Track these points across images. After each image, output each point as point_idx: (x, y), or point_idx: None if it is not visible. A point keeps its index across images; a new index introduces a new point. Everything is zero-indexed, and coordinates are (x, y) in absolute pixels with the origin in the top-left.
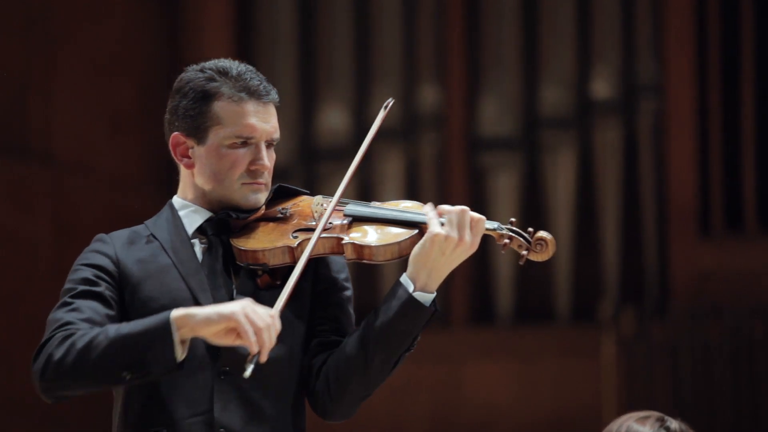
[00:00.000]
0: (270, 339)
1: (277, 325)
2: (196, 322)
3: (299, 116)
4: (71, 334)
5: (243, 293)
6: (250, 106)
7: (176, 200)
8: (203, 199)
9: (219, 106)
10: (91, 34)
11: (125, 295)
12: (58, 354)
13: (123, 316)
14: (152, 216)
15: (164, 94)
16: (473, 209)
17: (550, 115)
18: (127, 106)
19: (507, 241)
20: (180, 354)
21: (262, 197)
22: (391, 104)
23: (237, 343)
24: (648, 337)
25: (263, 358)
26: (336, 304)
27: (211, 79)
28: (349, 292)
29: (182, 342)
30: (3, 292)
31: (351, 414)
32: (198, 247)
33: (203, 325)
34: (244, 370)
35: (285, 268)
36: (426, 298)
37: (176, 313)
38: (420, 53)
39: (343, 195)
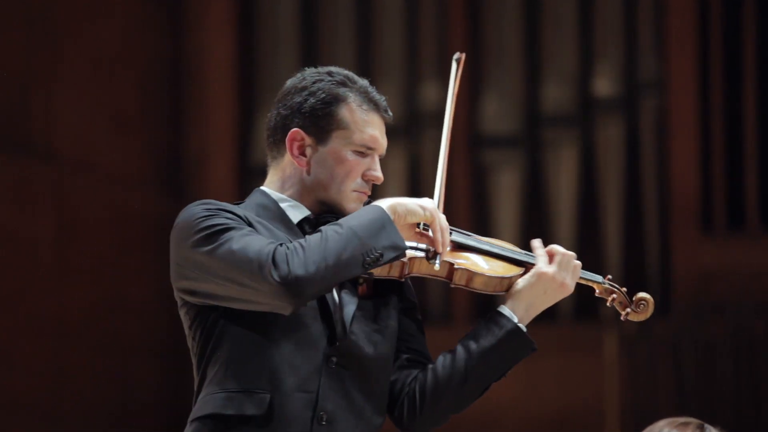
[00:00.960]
0: (447, 241)
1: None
2: (405, 211)
3: None
4: (297, 245)
5: (345, 298)
6: (375, 119)
7: (271, 192)
8: (305, 197)
9: (347, 111)
10: (93, 33)
11: None
12: (300, 259)
13: None
14: (154, 215)
15: (166, 92)
16: (476, 207)
17: (553, 112)
18: (129, 105)
19: (615, 296)
20: (401, 239)
21: (360, 206)
22: (462, 58)
23: (414, 239)
24: (650, 335)
25: (445, 257)
26: (417, 326)
27: (342, 84)
28: (419, 316)
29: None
30: (4, 291)
31: (439, 424)
32: None
33: (409, 214)
34: (352, 360)
35: (386, 281)
36: (524, 330)
37: (386, 203)
38: (422, 51)
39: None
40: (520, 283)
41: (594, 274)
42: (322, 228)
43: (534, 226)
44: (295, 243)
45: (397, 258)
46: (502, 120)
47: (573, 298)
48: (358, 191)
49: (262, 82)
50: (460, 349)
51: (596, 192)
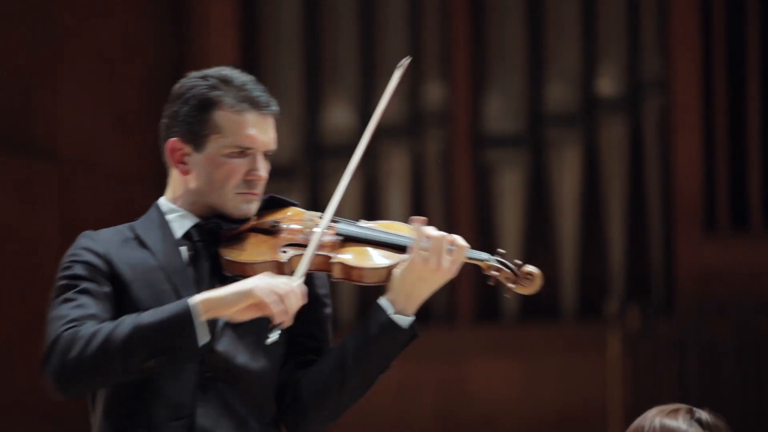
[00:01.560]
0: (295, 302)
1: (301, 290)
2: (218, 305)
3: (304, 113)
4: (82, 332)
5: None
6: (251, 117)
7: (163, 203)
8: (194, 205)
9: (220, 115)
10: (97, 31)
11: (117, 291)
12: (76, 350)
13: (118, 315)
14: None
15: (169, 92)
16: (479, 206)
17: (556, 112)
18: (133, 104)
19: (495, 273)
20: (205, 336)
21: (254, 207)
22: (407, 63)
23: (259, 314)
24: (653, 334)
25: (289, 322)
26: (315, 321)
27: (214, 87)
28: (328, 310)
29: (202, 326)
30: (6, 290)
31: (322, 427)
32: (184, 253)
33: (225, 306)
34: (226, 373)
35: None
36: (404, 321)
37: (196, 298)
38: (425, 50)
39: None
40: (397, 271)
41: (481, 253)
42: (120, 320)
43: (537, 225)
44: (91, 329)
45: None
46: (505, 119)
47: (576, 297)
48: (241, 193)
49: (265, 83)
50: (340, 348)
51: (599, 191)
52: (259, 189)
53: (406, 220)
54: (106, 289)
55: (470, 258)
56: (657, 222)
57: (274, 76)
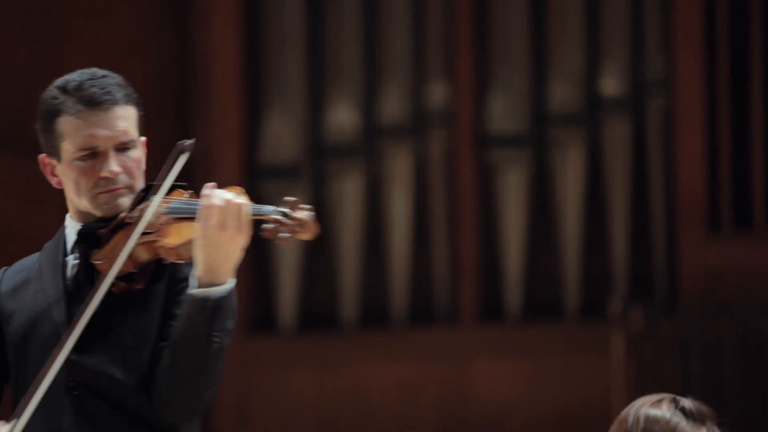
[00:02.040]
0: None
1: None
2: None
3: (307, 113)
4: None
5: (104, 303)
6: (90, 117)
7: (67, 217)
8: (78, 214)
9: (62, 123)
10: (98, 31)
11: (3, 327)
12: None
13: (3, 355)
14: None
15: (173, 90)
16: (482, 206)
17: (559, 111)
18: None
19: (269, 225)
20: None
21: (125, 201)
22: (190, 144)
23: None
24: (657, 334)
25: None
26: (180, 303)
27: (54, 97)
28: None
29: None
30: None
31: (187, 418)
32: (71, 263)
33: None
34: (88, 386)
35: (154, 269)
36: (211, 292)
37: None
38: (428, 50)
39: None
40: (195, 244)
41: (264, 207)
42: None
43: (540, 225)
44: None
45: None
46: (508, 119)
47: (579, 296)
48: (101, 192)
49: (269, 82)
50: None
51: (603, 191)
52: (123, 182)
53: (410, 222)
54: None
55: (255, 214)
56: (660, 222)
57: (278, 76)
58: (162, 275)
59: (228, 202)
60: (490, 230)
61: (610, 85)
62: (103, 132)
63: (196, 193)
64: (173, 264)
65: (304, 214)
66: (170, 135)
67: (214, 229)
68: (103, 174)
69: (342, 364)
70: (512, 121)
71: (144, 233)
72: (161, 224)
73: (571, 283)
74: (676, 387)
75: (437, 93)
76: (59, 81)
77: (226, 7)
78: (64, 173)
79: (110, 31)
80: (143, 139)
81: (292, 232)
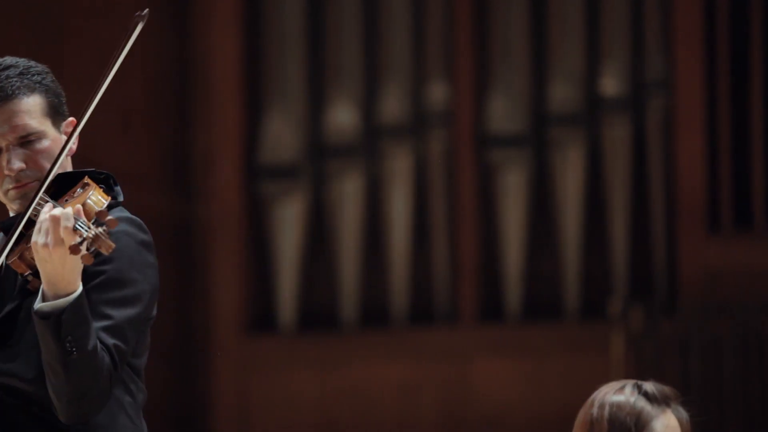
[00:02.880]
0: None
1: None
2: None
3: (307, 113)
4: None
5: (14, 302)
6: None
7: None
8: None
9: None
10: (98, 32)
11: None
12: None
13: None
14: (160, 214)
15: (172, 92)
16: (482, 206)
17: (559, 111)
18: (136, 103)
19: (77, 240)
20: None
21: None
22: (145, 13)
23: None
24: (657, 334)
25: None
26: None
27: None
28: (99, 279)
29: None
30: None
31: (79, 420)
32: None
33: None
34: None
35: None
36: (55, 305)
37: None
38: (428, 50)
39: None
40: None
41: (76, 221)
42: None
43: (540, 225)
44: None
45: None
46: (508, 119)
47: (579, 296)
48: (10, 188)
49: (269, 82)
50: None
51: (602, 191)
52: (30, 178)
53: (410, 222)
54: None
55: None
56: (660, 222)
57: (277, 76)
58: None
59: (49, 217)
60: (490, 230)
61: (610, 85)
62: (2, 128)
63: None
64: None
65: (101, 229)
66: (170, 135)
67: (38, 245)
68: (6, 172)
69: (342, 364)
70: (512, 121)
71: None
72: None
73: (571, 283)
74: (677, 387)
75: (437, 93)
76: None
77: (226, 7)
78: None
79: (110, 31)
80: (70, 119)
81: (92, 245)
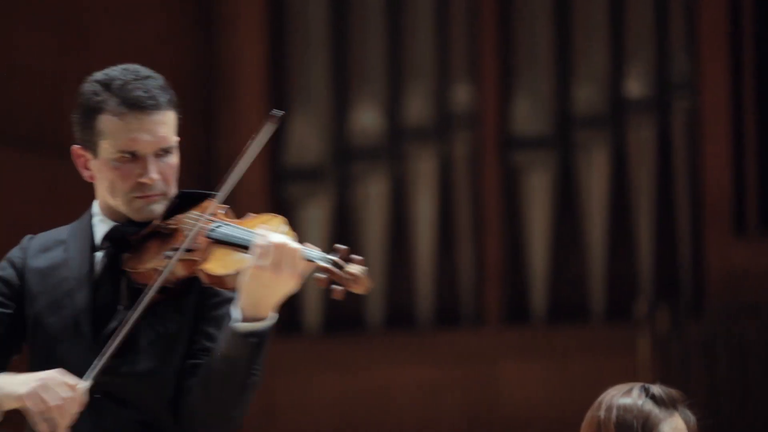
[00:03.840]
0: (64, 417)
1: (80, 398)
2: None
3: (332, 116)
4: None
5: (126, 312)
6: (133, 119)
7: (94, 205)
8: (108, 210)
9: (103, 121)
10: (124, 35)
11: (25, 307)
12: None
13: (18, 330)
14: None
15: (197, 96)
16: (507, 209)
17: (584, 113)
18: None
19: (322, 275)
20: None
21: (158, 208)
22: (280, 115)
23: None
24: (683, 336)
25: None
26: (213, 320)
27: (95, 93)
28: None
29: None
30: None
31: None
32: (98, 258)
33: (3, 401)
34: (110, 393)
35: (182, 282)
36: (254, 327)
37: None
38: (453, 52)
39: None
40: (244, 277)
41: (315, 252)
42: None
43: (565, 227)
44: None
45: None
46: (532, 121)
47: (605, 298)
48: (138, 197)
49: (294, 86)
50: (210, 355)
51: (628, 193)
52: (158, 189)
53: (435, 224)
54: (7, 310)
55: (307, 258)
56: (686, 223)
57: (302, 78)
58: (191, 288)
59: (285, 246)
60: (515, 232)
61: (635, 86)
62: (145, 137)
63: (231, 209)
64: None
65: (356, 269)
66: (195, 139)
67: (268, 270)
68: (142, 180)
69: (366, 367)
70: (537, 123)
71: (188, 250)
72: (201, 245)
73: (597, 284)
74: (702, 388)
75: (462, 95)
76: (100, 75)
77: (251, 12)
78: (99, 170)
79: (135, 35)
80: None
81: (345, 285)
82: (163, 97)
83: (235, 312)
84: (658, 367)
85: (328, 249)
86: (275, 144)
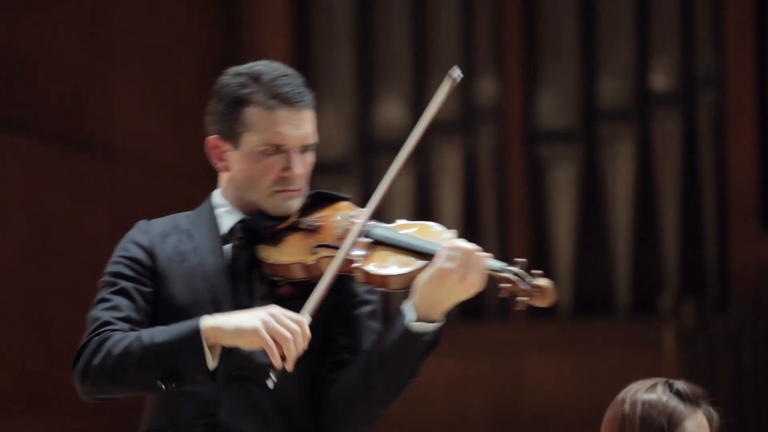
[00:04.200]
0: (296, 349)
1: (306, 332)
2: (224, 335)
3: (357, 109)
4: (108, 338)
5: (263, 302)
6: (282, 113)
7: (216, 196)
8: (239, 202)
9: (250, 113)
10: (149, 28)
11: (158, 289)
12: (97, 360)
13: (155, 312)
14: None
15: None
16: (532, 202)
17: (609, 107)
18: (186, 99)
19: (507, 285)
20: (212, 363)
21: (295, 204)
22: (457, 76)
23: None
24: (709, 329)
25: (289, 367)
26: (354, 318)
27: (244, 85)
28: (370, 307)
29: (212, 349)
30: (64, 285)
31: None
32: (227, 250)
33: (230, 337)
34: (249, 378)
35: (305, 282)
36: (426, 327)
37: (205, 323)
38: (478, 45)
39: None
40: (422, 278)
41: (497, 262)
42: (138, 335)
43: (591, 221)
44: (115, 339)
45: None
46: (558, 115)
47: (631, 292)
48: (279, 190)
49: (318, 78)
50: (367, 352)
51: (653, 186)
52: (298, 185)
53: (460, 218)
54: (146, 288)
55: (488, 269)
56: (711, 216)
57: (327, 71)
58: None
59: (473, 253)
60: (540, 226)
61: (661, 79)
62: (293, 132)
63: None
64: (344, 277)
65: (543, 281)
66: None
67: (454, 274)
68: (287, 174)
69: None
70: (562, 117)
71: (333, 247)
72: (359, 245)
73: (622, 278)
74: (728, 382)
75: (487, 88)
76: (244, 69)
77: (276, 3)
78: (238, 161)
79: (160, 28)
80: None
81: (529, 296)
82: (308, 96)
83: (410, 312)
84: (683, 361)
85: (508, 261)
86: None
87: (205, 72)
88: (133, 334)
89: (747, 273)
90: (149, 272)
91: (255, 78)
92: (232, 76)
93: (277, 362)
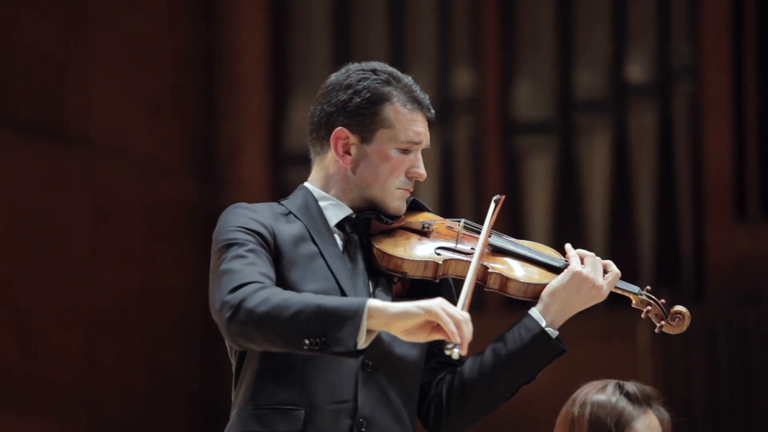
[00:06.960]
0: (469, 332)
1: (469, 321)
2: (391, 316)
3: None
4: (266, 287)
5: (382, 294)
6: (416, 116)
7: (314, 189)
8: (348, 195)
9: (391, 110)
10: (127, 20)
11: (278, 265)
12: (253, 302)
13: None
14: (187, 202)
15: (200, 79)
16: (509, 193)
17: (585, 98)
18: (163, 91)
19: (649, 308)
20: (362, 342)
21: (404, 206)
22: (501, 200)
23: (431, 338)
24: None
25: (464, 352)
26: None
27: (386, 83)
28: None
29: (369, 332)
30: (39, 277)
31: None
32: (338, 241)
33: (398, 318)
34: (382, 365)
35: (421, 281)
36: (552, 334)
37: (374, 303)
38: (455, 37)
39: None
40: (554, 283)
41: (631, 285)
42: (302, 293)
43: (567, 212)
44: (273, 290)
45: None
46: (534, 106)
47: None
48: (401, 188)
49: (295, 70)
50: (488, 353)
51: (629, 178)
52: (412, 187)
53: (436, 208)
54: (270, 259)
55: (621, 288)
56: (687, 209)
57: (304, 65)
58: (429, 287)
59: (610, 265)
60: (516, 217)
61: (637, 71)
62: (424, 135)
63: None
64: (447, 281)
65: (682, 308)
66: (197, 124)
67: (589, 280)
68: (412, 173)
69: None
70: (538, 108)
71: (455, 250)
72: (485, 252)
73: None
74: (704, 374)
75: (463, 80)
76: (380, 67)
77: None
78: (366, 155)
79: (138, 20)
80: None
81: (666, 321)
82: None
83: (540, 317)
84: (658, 355)
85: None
86: (276, 129)
87: (182, 64)
88: (290, 291)
89: (722, 266)
90: (270, 246)
91: (395, 78)
92: (369, 71)
93: (455, 339)
